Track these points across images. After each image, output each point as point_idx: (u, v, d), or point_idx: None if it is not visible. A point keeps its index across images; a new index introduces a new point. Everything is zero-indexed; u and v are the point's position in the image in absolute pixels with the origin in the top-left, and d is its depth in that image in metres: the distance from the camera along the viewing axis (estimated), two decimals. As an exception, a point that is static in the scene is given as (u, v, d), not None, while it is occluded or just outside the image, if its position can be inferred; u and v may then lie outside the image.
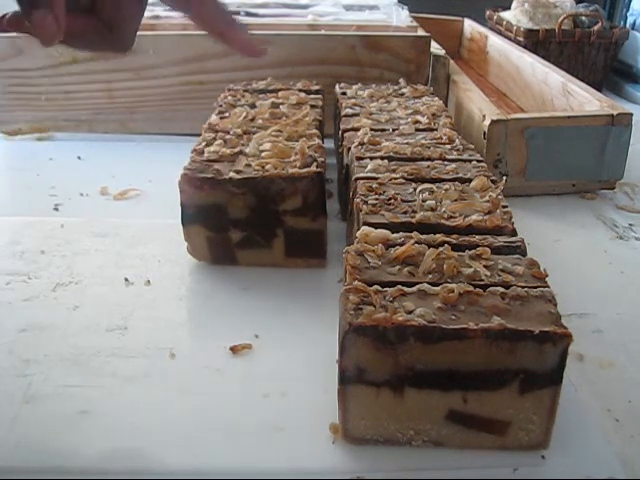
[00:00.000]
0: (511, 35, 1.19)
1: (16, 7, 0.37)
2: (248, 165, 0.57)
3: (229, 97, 0.74)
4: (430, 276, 0.41)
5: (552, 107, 0.90)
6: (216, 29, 0.45)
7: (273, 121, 0.66)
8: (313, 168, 0.56)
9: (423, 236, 0.45)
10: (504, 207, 0.49)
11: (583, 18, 1.18)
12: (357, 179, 0.54)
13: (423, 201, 0.50)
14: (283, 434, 0.41)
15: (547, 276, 0.41)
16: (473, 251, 0.43)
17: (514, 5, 1.26)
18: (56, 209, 0.72)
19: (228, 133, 0.63)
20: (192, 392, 0.45)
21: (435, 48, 0.94)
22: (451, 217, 0.48)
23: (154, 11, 1.01)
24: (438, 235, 0.45)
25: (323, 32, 0.94)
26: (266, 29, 0.94)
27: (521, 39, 1.15)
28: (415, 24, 1.00)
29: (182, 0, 0.44)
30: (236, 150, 0.59)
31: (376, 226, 0.46)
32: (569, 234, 0.68)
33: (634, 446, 0.41)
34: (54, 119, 0.92)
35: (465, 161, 0.58)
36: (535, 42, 1.14)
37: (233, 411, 0.43)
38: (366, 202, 0.50)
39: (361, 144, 0.61)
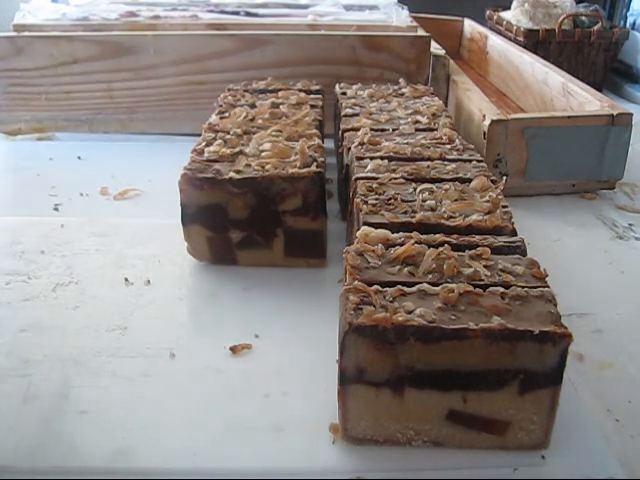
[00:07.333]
0: (511, 35, 1.19)
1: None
2: (248, 165, 0.57)
3: (229, 97, 0.74)
4: (430, 276, 0.41)
5: (552, 107, 0.90)
6: None
7: (273, 121, 0.66)
8: (313, 168, 0.56)
9: (423, 236, 0.45)
10: (504, 207, 0.49)
11: (583, 18, 1.18)
12: (357, 179, 0.54)
13: (423, 201, 0.50)
14: (283, 434, 0.41)
15: (547, 276, 0.41)
16: (473, 251, 0.43)
17: (514, 5, 1.26)
18: (56, 209, 0.72)
19: (228, 133, 0.63)
20: (192, 392, 0.45)
21: (435, 48, 0.94)
22: (451, 217, 0.48)
23: (154, 11, 1.01)
24: (438, 235, 0.45)
25: (323, 32, 0.94)
26: (266, 29, 0.94)
27: (521, 39, 1.15)
28: (415, 24, 1.00)
29: None
30: (236, 150, 0.59)
31: (376, 226, 0.46)
32: (569, 234, 0.68)
33: (634, 446, 0.41)
34: (54, 119, 0.92)
35: (465, 161, 0.58)
36: (535, 42, 1.14)
37: (233, 411, 0.43)
38: (366, 202, 0.50)
39: (361, 144, 0.61)
